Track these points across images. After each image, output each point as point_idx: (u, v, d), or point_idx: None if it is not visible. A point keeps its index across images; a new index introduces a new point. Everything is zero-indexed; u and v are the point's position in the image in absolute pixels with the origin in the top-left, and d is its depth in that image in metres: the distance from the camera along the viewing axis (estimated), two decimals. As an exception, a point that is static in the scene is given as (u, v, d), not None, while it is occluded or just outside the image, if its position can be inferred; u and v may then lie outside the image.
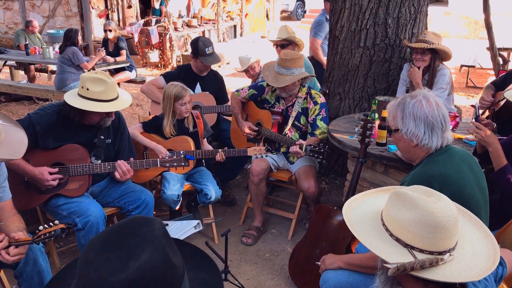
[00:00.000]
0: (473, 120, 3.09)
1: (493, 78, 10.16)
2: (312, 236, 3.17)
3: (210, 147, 3.75)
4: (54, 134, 2.92)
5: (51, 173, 2.88)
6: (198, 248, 1.45)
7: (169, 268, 1.04)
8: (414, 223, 1.44)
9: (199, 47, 4.27)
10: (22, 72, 9.17)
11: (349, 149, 3.35)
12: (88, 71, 7.16)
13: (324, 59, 5.76)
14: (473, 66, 9.64)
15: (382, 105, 3.33)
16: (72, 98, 2.86)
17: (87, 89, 2.83)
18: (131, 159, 3.06)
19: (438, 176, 2.11)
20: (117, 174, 2.97)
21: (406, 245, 1.46)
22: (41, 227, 2.29)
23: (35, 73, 8.98)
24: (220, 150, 3.44)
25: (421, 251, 1.44)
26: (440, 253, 1.42)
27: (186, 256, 1.28)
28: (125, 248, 1.03)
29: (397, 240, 1.49)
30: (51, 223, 2.30)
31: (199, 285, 1.27)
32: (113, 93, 2.91)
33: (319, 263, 2.62)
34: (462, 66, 9.93)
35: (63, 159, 2.95)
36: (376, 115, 3.39)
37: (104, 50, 7.77)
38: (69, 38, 7.02)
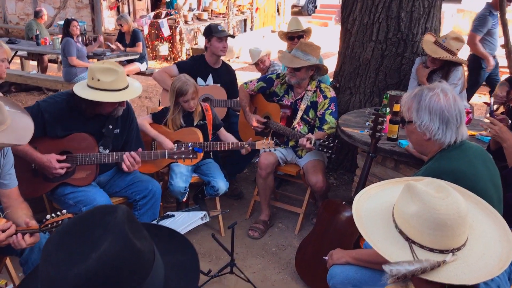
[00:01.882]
0: (488, 115, 3.03)
1: (506, 76, 10.02)
2: (320, 231, 3.13)
3: (233, 139, 3.70)
4: (62, 123, 2.91)
5: (59, 161, 2.86)
6: (175, 230, 1.42)
7: (133, 254, 1.00)
8: (415, 217, 1.41)
9: (212, 27, 4.27)
10: (32, 63, 9.20)
11: (359, 143, 3.31)
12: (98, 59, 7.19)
13: (485, 52, 5.69)
14: (486, 64, 9.48)
15: (393, 100, 3.28)
16: (83, 90, 2.82)
17: (98, 80, 2.80)
18: (139, 150, 3.04)
19: (451, 172, 2.06)
20: (124, 166, 2.95)
21: (407, 239, 1.43)
22: (48, 216, 2.28)
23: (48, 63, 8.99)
24: (245, 143, 3.38)
25: (421, 246, 1.40)
26: (441, 252, 1.38)
27: (162, 240, 1.26)
28: (87, 239, 0.99)
29: (400, 232, 1.46)
30: (58, 212, 2.28)
31: (175, 267, 1.24)
32: (124, 82, 2.89)
33: (326, 257, 2.59)
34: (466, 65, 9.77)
35: (71, 147, 2.93)
36: (388, 110, 3.34)
37: (102, 41, 7.76)
38: (64, 29, 6.97)
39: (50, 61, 9.17)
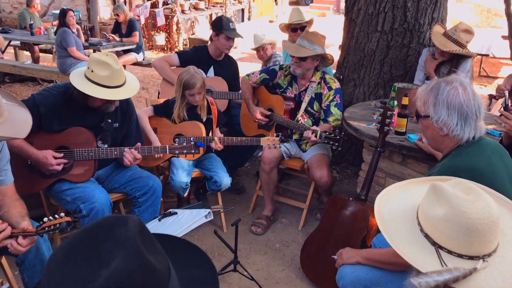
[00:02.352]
0: (502, 109, 2.94)
1: (507, 67, 9.96)
2: (326, 228, 3.04)
3: (219, 134, 3.61)
4: (59, 116, 2.79)
5: (55, 157, 2.75)
6: (192, 243, 1.31)
7: (147, 272, 0.89)
8: (444, 221, 1.31)
9: (223, 21, 4.11)
10: (27, 53, 9.03)
11: (366, 137, 3.21)
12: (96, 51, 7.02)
13: None
14: (487, 55, 9.40)
15: (402, 93, 3.18)
16: (76, 78, 2.71)
17: (92, 71, 2.68)
18: (138, 144, 2.93)
19: (468, 169, 1.96)
20: (126, 161, 2.84)
21: (434, 243, 1.34)
22: (45, 219, 2.18)
23: (39, 54, 8.81)
24: (216, 138, 3.28)
25: (449, 252, 1.31)
26: (471, 258, 1.29)
27: (177, 253, 1.16)
28: (96, 255, 0.88)
29: (426, 236, 1.36)
30: (56, 215, 2.18)
31: (192, 283, 1.13)
32: (119, 79, 2.74)
33: (335, 256, 2.50)
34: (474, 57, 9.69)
35: (68, 142, 2.82)
36: (395, 103, 3.23)
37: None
38: (60, 19, 6.78)
39: (44, 51, 9.00)
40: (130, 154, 2.83)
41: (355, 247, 2.82)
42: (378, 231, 2.79)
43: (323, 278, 3.01)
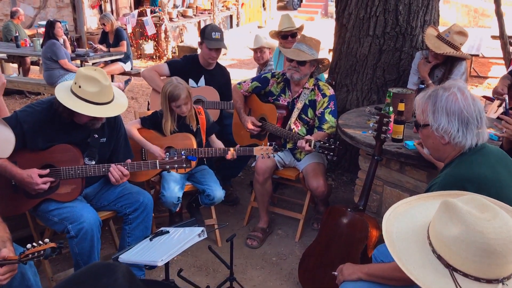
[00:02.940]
0: (501, 113, 2.87)
1: (497, 67, 9.96)
2: (324, 240, 2.94)
3: (221, 145, 3.51)
4: (43, 134, 2.67)
5: (41, 176, 2.63)
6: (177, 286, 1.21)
7: None
8: (459, 242, 1.22)
9: (206, 30, 4.01)
10: (13, 65, 8.87)
11: (362, 145, 3.12)
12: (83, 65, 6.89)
13: None
14: (477, 55, 9.40)
15: (398, 98, 3.10)
16: (62, 93, 2.59)
17: (79, 87, 2.57)
18: (128, 161, 2.82)
19: (473, 178, 1.88)
20: (112, 179, 2.73)
21: (448, 266, 1.24)
22: (29, 245, 2.06)
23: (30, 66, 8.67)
24: (232, 148, 3.19)
25: (465, 275, 1.22)
26: (489, 281, 1.20)
27: None
28: None
29: (439, 258, 1.27)
30: (40, 242, 2.07)
31: None
32: (107, 96, 2.64)
33: (336, 273, 2.40)
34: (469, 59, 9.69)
35: (53, 160, 2.70)
36: (391, 109, 3.15)
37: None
38: (47, 31, 6.66)
39: (32, 63, 8.84)
40: (116, 171, 2.71)
41: (355, 259, 2.73)
42: (379, 242, 2.70)
43: (322, 292, 2.91)
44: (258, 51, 4.54)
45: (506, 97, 3.07)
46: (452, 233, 1.23)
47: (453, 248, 1.22)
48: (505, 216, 1.23)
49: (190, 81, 4.03)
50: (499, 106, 3.59)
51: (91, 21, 11.89)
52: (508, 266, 1.20)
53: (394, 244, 1.37)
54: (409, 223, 1.42)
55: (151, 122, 3.35)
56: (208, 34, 3.97)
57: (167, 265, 2.50)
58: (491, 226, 1.20)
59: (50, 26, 6.68)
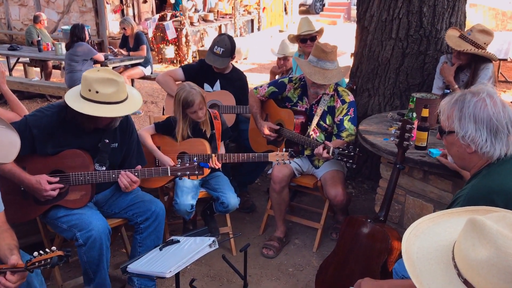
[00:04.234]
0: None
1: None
2: (342, 251, 2.81)
3: (222, 151, 3.40)
4: (53, 139, 2.61)
5: (50, 182, 2.57)
6: None
7: None
8: (487, 266, 1.08)
9: (213, 41, 3.97)
10: (36, 69, 8.97)
11: (384, 153, 2.97)
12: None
13: None
14: (505, 60, 9.10)
15: (421, 104, 2.95)
16: (78, 104, 2.51)
17: (97, 92, 2.50)
18: (139, 167, 2.74)
19: (502, 191, 1.73)
20: (121, 185, 2.65)
21: None
22: (36, 253, 2.00)
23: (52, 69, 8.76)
24: (213, 155, 3.08)
25: None
26: None
27: None
28: None
29: (465, 283, 1.13)
30: (47, 249, 2.00)
31: None
32: (125, 92, 2.61)
33: (353, 287, 2.26)
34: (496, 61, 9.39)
35: (63, 166, 2.63)
36: (414, 115, 3.00)
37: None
38: (75, 34, 6.86)
39: (54, 67, 8.93)
40: (125, 178, 2.64)
41: (375, 272, 2.59)
42: (400, 255, 2.55)
43: (340, 307, 2.77)
44: (283, 58, 4.42)
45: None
46: (480, 256, 1.09)
47: (482, 272, 1.09)
48: None
49: (206, 85, 3.95)
50: None
51: (113, 25, 11.99)
52: None
53: (415, 266, 1.24)
54: (432, 242, 1.29)
55: (165, 128, 3.27)
56: (212, 46, 3.92)
57: (177, 275, 2.40)
58: None
59: (82, 29, 6.88)
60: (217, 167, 3.10)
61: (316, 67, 3.19)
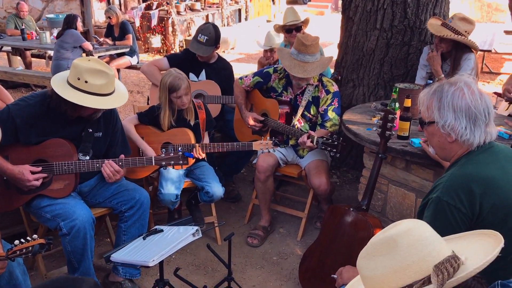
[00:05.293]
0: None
1: (510, 63, 9.74)
2: (325, 240, 2.85)
3: (206, 141, 3.40)
4: (36, 128, 2.60)
5: (33, 172, 2.56)
6: None
7: None
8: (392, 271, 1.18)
9: (198, 29, 3.96)
10: (20, 58, 8.84)
11: (366, 142, 3.01)
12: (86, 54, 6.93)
13: None
14: (489, 51, 9.19)
15: (404, 94, 2.99)
16: (65, 90, 2.49)
17: (86, 82, 2.48)
18: (122, 156, 2.73)
19: (480, 179, 1.77)
20: (105, 175, 2.65)
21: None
22: (16, 242, 2.00)
23: (31, 59, 8.64)
24: (197, 145, 3.09)
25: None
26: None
27: None
28: None
29: None
30: (28, 238, 2.00)
31: None
32: (113, 86, 2.60)
33: (335, 276, 2.30)
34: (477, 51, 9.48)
35: (46, 155, 2.62)
36: (397, 105, 3.04)
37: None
38: (67, 23, 6.90)
39: (37, 56, 8.82)
40: (109, 167, 2.63)
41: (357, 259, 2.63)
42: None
43: (323, 294, 2.81)
44: (269, 50, 4.41)
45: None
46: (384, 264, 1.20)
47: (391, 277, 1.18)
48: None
49: (191, 75, 3.94)
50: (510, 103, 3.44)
51: (98, 14, 11.85)
52: None
53: None
54: None
55: (148, 117, 3.26)
56: (196, 34, 3.91)
57: (162, 264, 2.42)
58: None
59: (74, 18, 7.00)
60: (201, 158, 3.11)
61: (296, 60, 3.21)
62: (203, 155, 3.12)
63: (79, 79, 2.49)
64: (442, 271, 1.11)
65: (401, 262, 1.17)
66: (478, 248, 1.28)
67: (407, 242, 1.18)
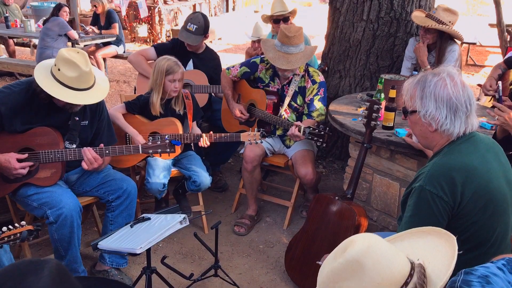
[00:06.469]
0: (496, 101, 2.80)
1: (493, 56, 9.86)
2: (311, 228, 2.89)
3: (198, 131, 3.42)
4: (22, 116, 2.58)
5: (19, 160, 2.55)
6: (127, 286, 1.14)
7: None
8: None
9: (187, 18, 3.96)
10: (3, 47, 8.72)
11: (352, 133, 3.05)
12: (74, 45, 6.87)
13: None
14: (474, 44, 9.30)
15: (389, 85, 3.02)
16: (41, 74, 2.49)
17: (58, 70, 2.46)
18: (101, 145, 2.70)
19: (462, 168, 1.82)
20: (83, 164, 2.64)
21: None
22: (4, 228, 2.00)
23: (15, 47, 8.52)
24: (204, 134, 3.10)
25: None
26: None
27: None
28: None
29: None
30: (16, 224, 2.00)
31: None
32: (87, 82, 2.53)
33: (320, 262, 2.34)
34: (462, 43, 9.58)
35: (32, 143, 2.61)
36: (383, 95, 3.08)
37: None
38: (54, 11, 6.96)
39: (21, 44, 8.70)
40: (88, 153, 2.59)
41: (342, 247, 2.68)
42: (368, 231, 2.64)
43: (308, 282, 2.86)
44: (257, 41, 4.40)
45: (500, 84, 2.99)
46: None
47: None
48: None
49: (178, 64, 3.93)
50: (493, 96, 3.50)
51: (84, 3, 11.69)
52: None
53: None
54: None
55: (136, 106, 3.26)
56: (185, 23, 3.90)
57: (149, 252, 2.44)
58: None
59: (59, 7, 7.05)
60: (206, 146, 3.12)
61: (280, 51, 3.23)
62: (208, 144, 3.12)
63: (55, 65, 2.48)
64: None
65: (370, 283, 1.13)
66: (433, 250, 1.31)
67: (372, 261, 1.13)
